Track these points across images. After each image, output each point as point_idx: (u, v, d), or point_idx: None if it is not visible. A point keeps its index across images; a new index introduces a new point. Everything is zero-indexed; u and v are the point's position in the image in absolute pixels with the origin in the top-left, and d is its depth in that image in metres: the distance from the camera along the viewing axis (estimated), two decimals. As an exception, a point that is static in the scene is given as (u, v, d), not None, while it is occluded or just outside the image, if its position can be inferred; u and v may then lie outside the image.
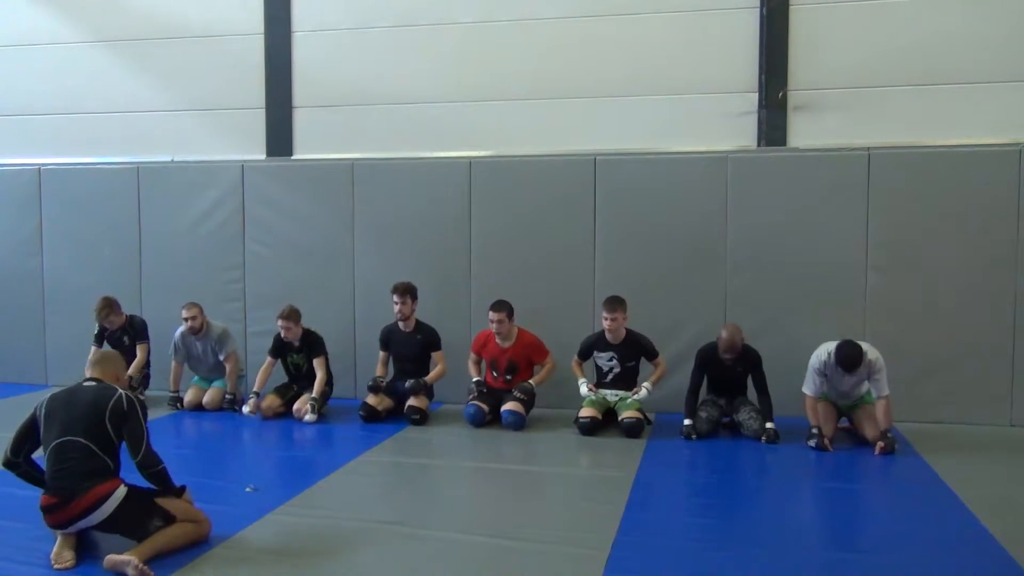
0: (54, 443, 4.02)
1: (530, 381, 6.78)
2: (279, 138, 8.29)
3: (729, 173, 7.08)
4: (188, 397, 7.38)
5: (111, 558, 3.84)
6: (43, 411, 4.13)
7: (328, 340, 7.42)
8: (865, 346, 5.92)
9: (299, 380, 7.21)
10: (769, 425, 6.21)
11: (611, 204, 7.23)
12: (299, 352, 7.13)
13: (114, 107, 8.62)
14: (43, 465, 4.12)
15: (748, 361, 6.33)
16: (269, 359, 7.16)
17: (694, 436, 6.27)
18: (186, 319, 7.29)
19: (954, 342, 6.76)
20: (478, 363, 6.97)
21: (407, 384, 6.87)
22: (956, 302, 6.75)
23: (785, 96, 7.32)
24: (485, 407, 6.69)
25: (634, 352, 6.58)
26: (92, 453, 4.00)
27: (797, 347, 6.49)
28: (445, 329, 7.11)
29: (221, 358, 7.39)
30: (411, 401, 6.84)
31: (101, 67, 8.62)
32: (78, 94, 8.69)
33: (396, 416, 6.97)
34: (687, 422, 6.32)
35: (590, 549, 4.13)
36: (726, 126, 7.43)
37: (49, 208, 8.36)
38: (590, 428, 6.36)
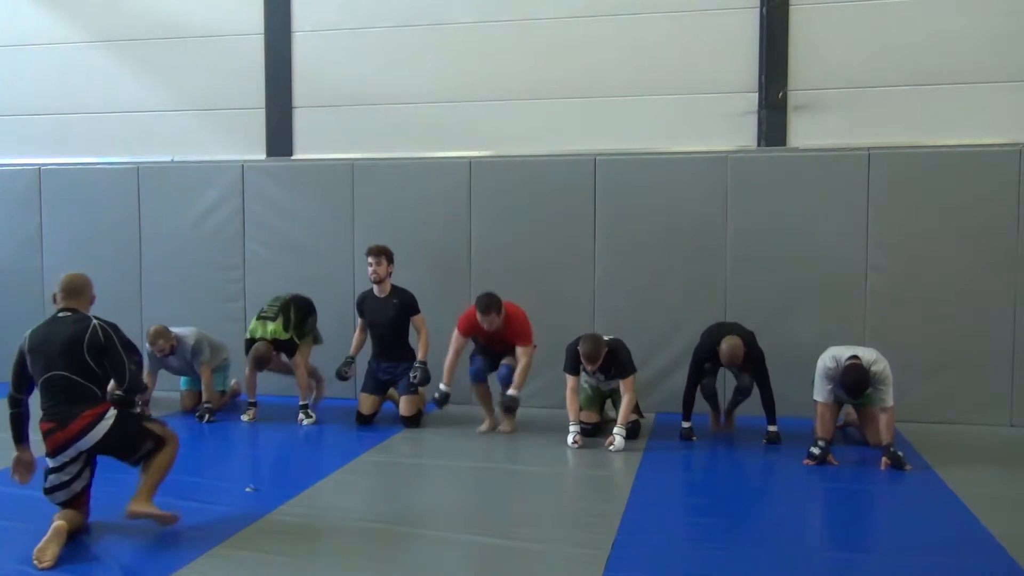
0: (42, 379, 4.24)
1: (512, 393, 6.42)
2: (279, 138, 8.29)
3: (729, 173, 7.08)
4: (184, 403, 7.33)
5: (136, 509, 4.25)
6: (27, 346, 4.30)
7: (327, 340, 7.42)
8: (871, 356, 5.65)
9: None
10: (772, 428, 6.19)
11: (611, 204, 7.23)
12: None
13: (114, 107, 8.63)
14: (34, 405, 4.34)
15: (752, 360, 6.21)
16: (248, 371, 6.95)
17: (694, 438, 6.26)
18: (155, 352, 7.00)
19: (954, 342, 6.76)
20: (459, 352, 6.59)
21: (409, 379, 6.65)
22: (956, 302, 6.75)
23: (785, 96, 7.32)
24: (485, 361, 6.60)
25: (613, 369, 6.27)
26: (77, 384, 4.22)
27: (797, 347, 6.50)
28: (445, 330, 7.09)
29: (197, 369, 7.11)
30: (403, 411, 6.74)
31: (101, 67, 8.63)
32: (78, 94, 8.69)
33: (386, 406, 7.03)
34: (685, 424, 6.31)
35: (590, 549, 4.13)
36: (726, 126, 7.43)
37: (49, 208, 8.36)
38: (591, 433, 6.33)
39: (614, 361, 6.23)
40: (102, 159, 8.43)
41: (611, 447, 6.02)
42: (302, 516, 4.63)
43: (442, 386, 6.50)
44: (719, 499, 5.06)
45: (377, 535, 4.37)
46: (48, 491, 4.28)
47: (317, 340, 7.19)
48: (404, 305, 6.79)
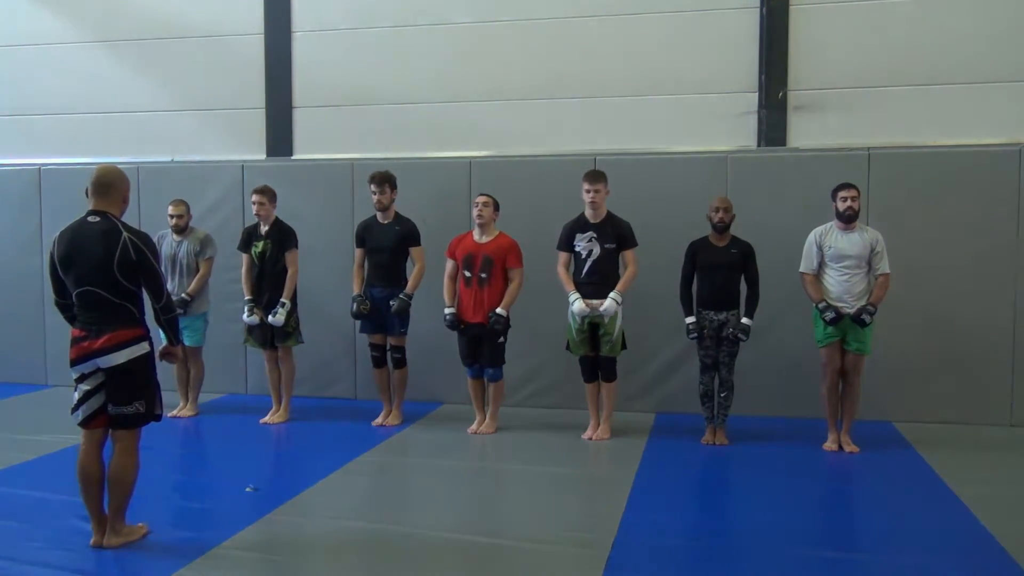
0: (76, 292, 4.16)
1: (499, 310, 6.46)
2: (279, 138, 8.29)
3: (729, 173, 7.08)
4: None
5: (110, 543, 4.16)
6: (56, 253, 4.20)
7: (328, 340, 7.42)
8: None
9: (265, 277, 6.94)
10: (745, 320, 6.17)
11: (611, 204, 7.20)
12: (265, 240, 6.95)
13: (114, 107, 8.62)
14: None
15: (742, 249, 6.29)
16: (244, 257, 7.02)
17: (699, 332, 6.21)
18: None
19: (954, 342, 6.75)
20: (453, 277, 6.69)
21: (391, 305, 6.65)
22: (956, 302, 6.75)
23: (785, 96, 7.32)
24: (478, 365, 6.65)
25: (613, 233, 6.37)
26: (113, 303, 4.13)
27: (797, 347, 6.49)
28: (445, 329, 7.10)
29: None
30: (392, 340, 6.79)
31: (101, 67, 8.62)
32: (78, 94, 8.69)
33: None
34: (689, 319, 6.25)
35: (590, 549, 4.14)
36: (726, 126, 7.43)
37: (49, 208, 8.35)
38: (591, 364, 6.37)
39: (615, 225, 6.35)
40: (102, 159, 8.38)
41: (601, 308, 6.16)
42: (302, 516, 4.64)
43: (447, 310, 6.63)
44: (719, 499, 5.07)
45: (377, 535, 4.37)
46: (72, 409, 4.23)
47: (298, 340, 7.10)
48: (405, 235, 6.76)
